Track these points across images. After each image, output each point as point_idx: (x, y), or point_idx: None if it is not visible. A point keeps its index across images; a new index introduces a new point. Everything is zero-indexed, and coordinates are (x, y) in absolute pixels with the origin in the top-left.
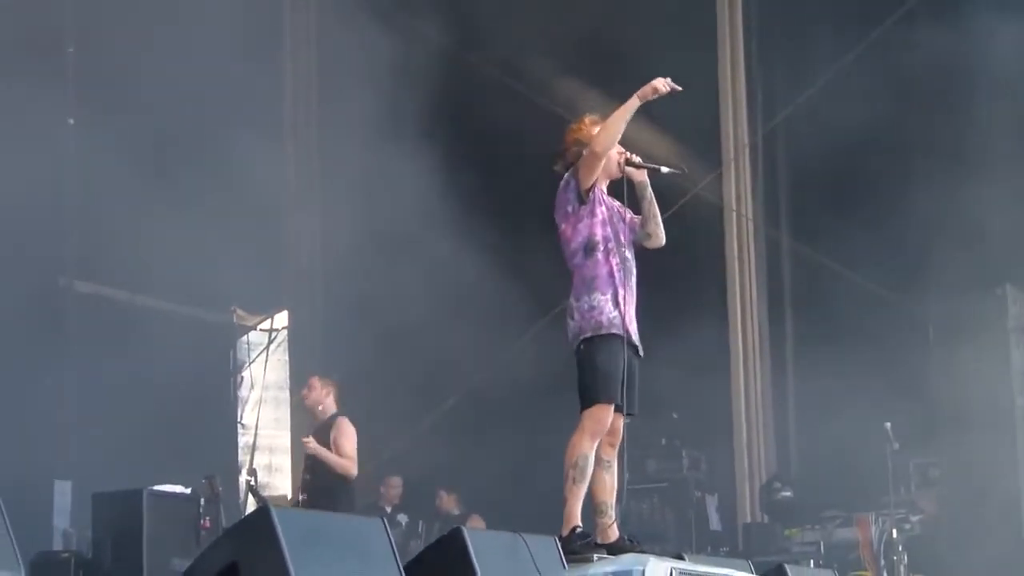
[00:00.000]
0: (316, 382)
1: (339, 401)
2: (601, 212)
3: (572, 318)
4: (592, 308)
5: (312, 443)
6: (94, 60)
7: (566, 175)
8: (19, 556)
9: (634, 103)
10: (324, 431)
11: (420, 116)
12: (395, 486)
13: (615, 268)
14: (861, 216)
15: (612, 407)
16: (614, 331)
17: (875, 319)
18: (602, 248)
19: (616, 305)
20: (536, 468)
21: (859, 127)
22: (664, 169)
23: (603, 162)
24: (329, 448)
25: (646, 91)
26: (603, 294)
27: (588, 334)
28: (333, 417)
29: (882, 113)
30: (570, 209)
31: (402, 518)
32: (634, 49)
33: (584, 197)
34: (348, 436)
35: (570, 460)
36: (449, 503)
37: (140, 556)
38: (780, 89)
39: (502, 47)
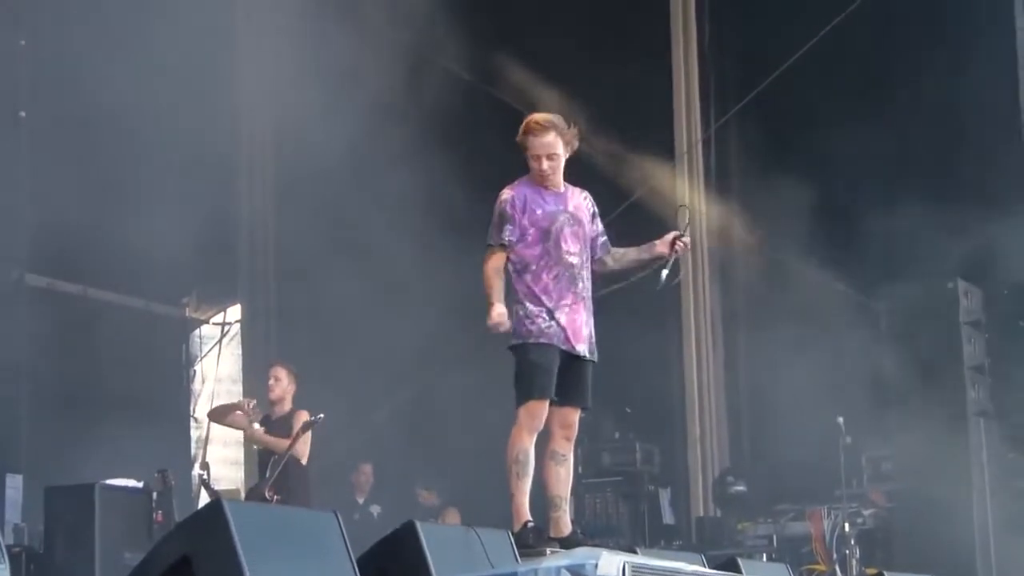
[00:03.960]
0: (283, 374)
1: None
2: (531, 234)
3: (510, 318)
4: (526, 317)
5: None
6: (46, 52)
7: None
8: (4, 549)
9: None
10: (283, 425)
11: (378, 102)
12: (366, 473)
13: (550, 284)
14: (814, 209)
15: (546, 402)
16: (543, 340)
17: (828, 312)
18: (533, 268)
19: (552, 318)
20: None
21: (811, 121)
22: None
23: None
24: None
25: (495, 322)
26: (536, 306)
27: (519, 341)
28: (292, 412)
29: (835, 107)
30: None
31: (375, 509)
32: (587, 45)
33: None
34: (306, 435)
35: (511, 456)
36: (429, 498)
37: (92, 550)
38: (733, 83)
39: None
